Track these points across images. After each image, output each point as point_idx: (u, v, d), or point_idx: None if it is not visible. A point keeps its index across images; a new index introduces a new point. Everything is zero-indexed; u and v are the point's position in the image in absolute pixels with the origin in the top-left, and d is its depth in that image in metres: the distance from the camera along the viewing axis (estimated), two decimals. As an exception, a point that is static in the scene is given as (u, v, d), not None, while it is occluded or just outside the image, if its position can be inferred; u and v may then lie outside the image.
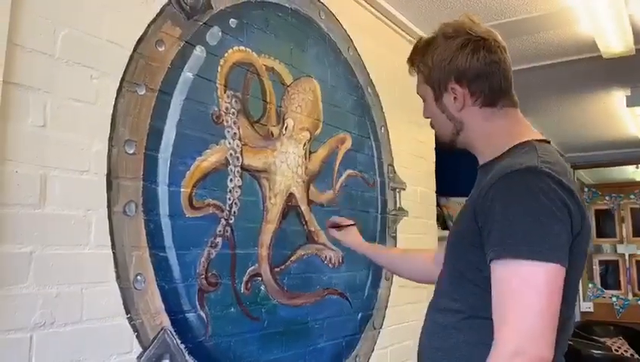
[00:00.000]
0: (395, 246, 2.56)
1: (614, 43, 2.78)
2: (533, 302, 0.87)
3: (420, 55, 1.14)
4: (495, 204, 0.94)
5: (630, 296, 6.16)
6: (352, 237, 1.68)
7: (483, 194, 0.97)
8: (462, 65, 1.07)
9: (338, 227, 1.69)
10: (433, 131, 1.21)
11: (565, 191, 0.92)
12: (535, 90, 3.77)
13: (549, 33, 2.83)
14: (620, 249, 6.39)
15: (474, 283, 1.01)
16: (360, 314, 2.28)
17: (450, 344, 1.04)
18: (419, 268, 1.50)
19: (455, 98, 1.10)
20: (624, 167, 5.93)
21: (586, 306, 5.95)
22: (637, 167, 5.87)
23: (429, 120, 1.19)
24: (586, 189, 6.43)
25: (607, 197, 6.43)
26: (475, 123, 1.11)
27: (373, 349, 2.34)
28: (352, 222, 1.70)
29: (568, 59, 3.13)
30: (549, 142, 1.09)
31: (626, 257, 6.34)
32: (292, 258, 1.95)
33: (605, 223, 6.51)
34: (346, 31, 2.35)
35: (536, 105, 4.12)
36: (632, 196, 6.35)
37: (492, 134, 1.10)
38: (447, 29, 1.10)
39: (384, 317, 2.43)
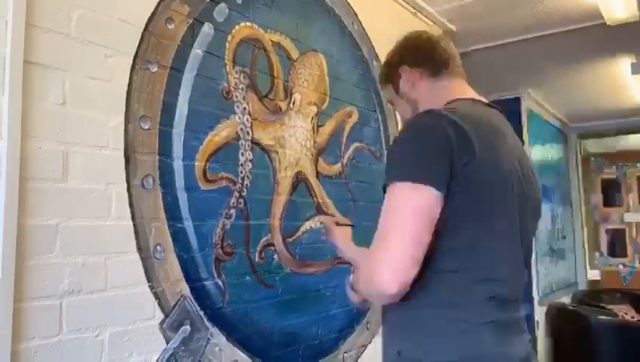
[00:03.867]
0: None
1: (618, 9, 2.77)
2: (397, 217, 0.96)
3: (381, 77, 1.34)
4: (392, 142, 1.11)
5: (637, 264, 6.22)
6: (346, 238, 1.68)
7: None
8: (404, 54, 1.26)
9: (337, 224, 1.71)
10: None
11: (456, 129, 0.98)
12: (538, 61, 3.77)
13: (554, 2, 2.83)
14: (627, 217, 6.43)
15: None
16: (370, 283, 2.34)
17: None
18: None
19: (406, 79, 1.24)
20: (630, 135, 5.93)
21: (593, 274, 6.01)
22: (643, 136, 5.87)
23: (399, 112, 1.36)
24: (592, 159, 6.44)
25: (613, 166, 6.44)
26: (422, 96, 1.23)
27: (383, 316, 2.40)
28: (350, 223, 1.73)
29: (572, 27, 3.13)
30: (489, 104, 1.18)
31: (633, 225, 6.38)
32: (303, 228, 2.01)
33: (612, 192, 6.53)
34: (349, 4, 2.37)
35: (540, 75, 4.13)
36: (638, 165, 6.36)
37: (435, 96, 1.20)
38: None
39: (393, 285, 2.49)
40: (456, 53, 1.26)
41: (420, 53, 1.24)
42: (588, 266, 5.90)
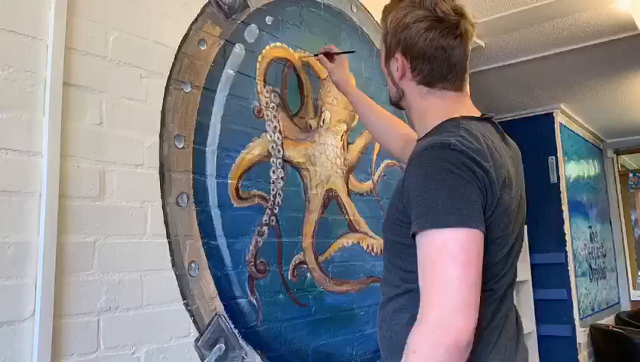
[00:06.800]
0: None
1: (653, 19, 2.72)
2: (450, 271, 0.87)
3: (387, 12, 1.17)
4: (413, 180, 0.96)
5: (683, 283, 5.96)
6: (340, 73, 1.82)
7: (405, 171, 1.01)
8: (410, 39, 1.09)
9: (331, 56, 1.84)
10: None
11: (478, 166, 0.93)
12: (573, 74, 3.71)
13: (586, 14, 2.79)
14: (670, 235, 6.19)
15: (403, 259, 1.05)
16: (404, 302, 2.30)
17: (389, 315, 1.08)
18: (383, 134, 1.69)
19: (397, 67, 1.14)
20: (670, 150, 5.75)
21: (636, 295, 5.78)
22: (684, 150, 5.68)
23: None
24: (630, 175, 6.25)
25: (653, 182, 6.24)
26: (412, 96, 1.15)
27: (419, 336, 2.35)
28: (350, 51, 1.88)
29: (606, 39, 3.08)
30: (488, 119, 1.10)
31: (677, 243, 6.14)
32: (335, 246, 1.99)
33: (653, 209, 6.31)
34: (377, 23, 2.38)
35: (574, 89, 4.06)
36: (679, 180, 6.15)
37: (425, 111, 1.13)
38: None
39: (428, 304, 2.44)
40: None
41: (422, 60, 1.10)
42: (631, 286, 5.68)
